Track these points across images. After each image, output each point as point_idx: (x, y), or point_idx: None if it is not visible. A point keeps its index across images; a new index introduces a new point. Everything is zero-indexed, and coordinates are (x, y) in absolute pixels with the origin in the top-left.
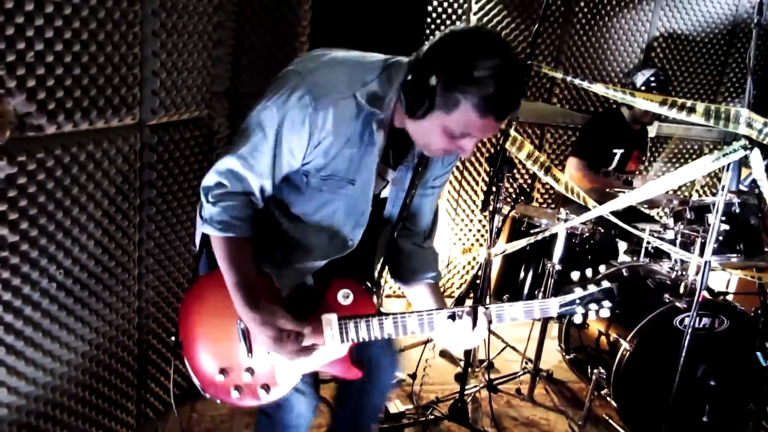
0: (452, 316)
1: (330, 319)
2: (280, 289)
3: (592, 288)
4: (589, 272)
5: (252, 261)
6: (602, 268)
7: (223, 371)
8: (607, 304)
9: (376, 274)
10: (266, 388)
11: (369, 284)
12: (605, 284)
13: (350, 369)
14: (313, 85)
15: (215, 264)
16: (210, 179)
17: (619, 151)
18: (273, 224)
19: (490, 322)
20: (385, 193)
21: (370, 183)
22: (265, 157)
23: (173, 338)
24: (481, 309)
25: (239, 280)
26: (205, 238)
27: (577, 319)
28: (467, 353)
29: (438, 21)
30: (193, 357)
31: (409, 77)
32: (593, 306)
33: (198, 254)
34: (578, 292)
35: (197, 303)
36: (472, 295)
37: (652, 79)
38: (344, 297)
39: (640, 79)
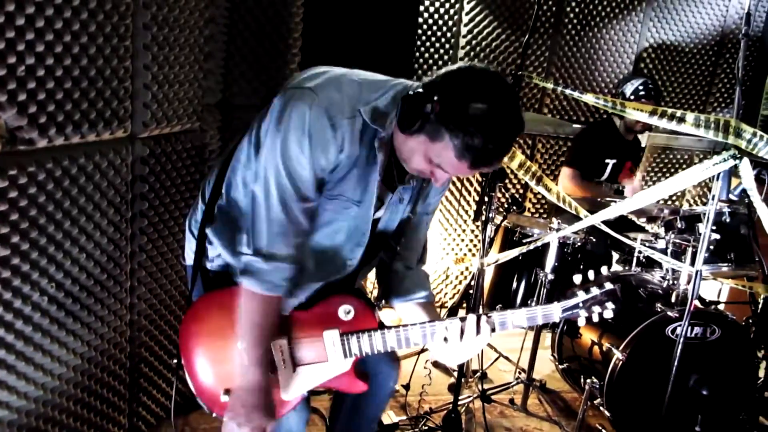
0: (458, 326)
1: (332, 336)
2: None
3: (594, 290)
4: (591, 274)
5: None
6: (604, 270)
7: (228, 391)
8: (610, 305)
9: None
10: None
11: (369, 298)
12: (608, 286)
13: (355, 383)
14: (324, 106)
15: (211, 287)
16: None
17: (611, 162)
18: None
19: (493, 330)
20: (378, 214)
21: (371, 204)
22: (309, 191)
23: (175, 360)
24: (483, 317)
25: (260, 354)
26: (199, 259)
27: (581, 322)
28: (460, 365)
29: (429, 33)
30: (196, 378)
31: (411, 92)
32: (596, 308)
33: (193, 277)
34: (581, 296)
35: (197, 324)
36: (465, 305)
37: (641, 87)
38: (345, 312)
39: (629, 88)
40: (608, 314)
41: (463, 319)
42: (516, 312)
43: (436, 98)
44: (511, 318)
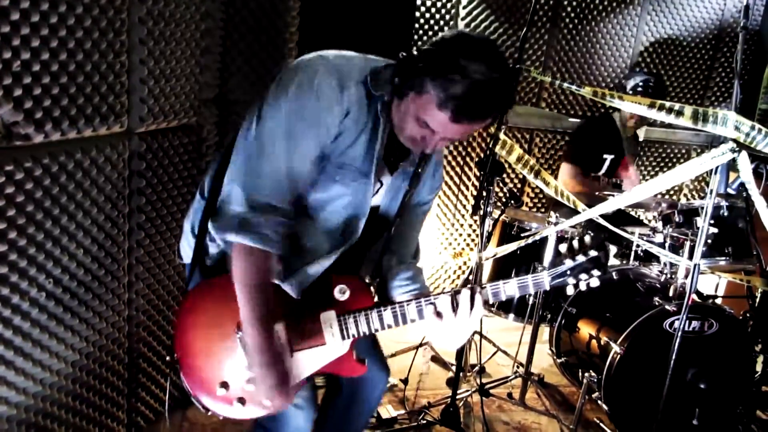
0: (452, 299)
1: (329, 317)
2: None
3: (580, 258)
4: (575, 243)
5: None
6: (587, 239)
7: (224, 384)
8: (596, 273)
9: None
10: (272, 394)
11: (364, 276)
12: (592, 253)
13: (354, 366)
14: (333, 68)
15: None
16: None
17: (609, 157)
18: None
19: (486, 302)
20: (377, 200)
21: (372, 175)
22: (311, 149)
23: (168, 357)
24: (477, 288)
25: (263, 314)
26: (199, 256)
27: (570, 290)
28: (459, 356)
29: (426, 27)
30: (191, 373)
31: (403, 54)
32: (583, 276)
33: (191, 270)
34: (568, 263)
35: (191, 317)
36: None
37: (640, 84)
38: (341, 293)
39: (630, 83)
40: (594, 282)
41: (456, 293)
42: (508, 282)
43: (423, 52)
44: (503, 288)
